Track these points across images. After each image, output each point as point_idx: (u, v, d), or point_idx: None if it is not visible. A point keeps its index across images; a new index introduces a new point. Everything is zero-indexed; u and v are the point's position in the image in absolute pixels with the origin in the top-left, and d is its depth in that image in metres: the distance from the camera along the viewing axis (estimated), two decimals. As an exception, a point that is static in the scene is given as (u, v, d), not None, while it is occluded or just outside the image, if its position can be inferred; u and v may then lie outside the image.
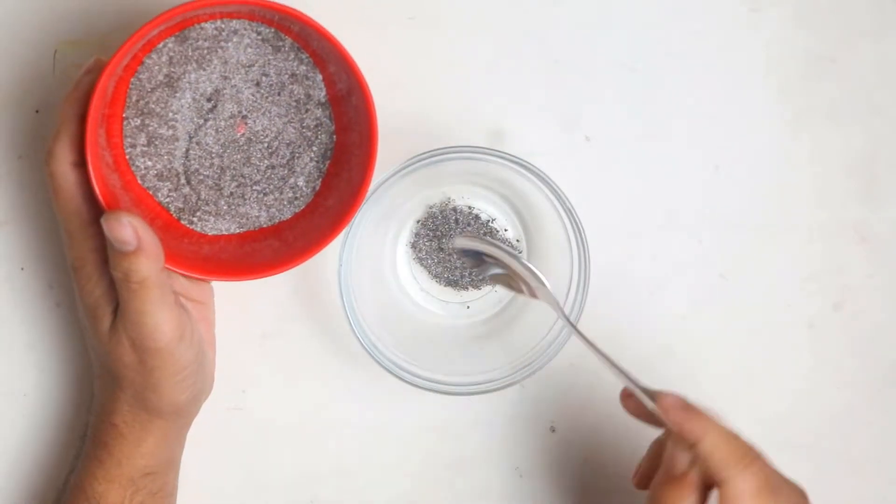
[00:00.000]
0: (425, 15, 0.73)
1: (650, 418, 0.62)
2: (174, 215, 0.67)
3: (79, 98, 0.62)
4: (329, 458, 0.73)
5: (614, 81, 0.73)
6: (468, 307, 0.73)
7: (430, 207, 0.72)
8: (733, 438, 0.59)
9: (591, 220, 0.68)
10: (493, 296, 0.73)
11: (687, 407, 0.60)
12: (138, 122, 0.66)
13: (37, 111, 0.71)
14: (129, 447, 0.65)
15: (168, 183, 0.67)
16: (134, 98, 0.66)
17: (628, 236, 0.73)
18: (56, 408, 0.72)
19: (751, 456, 0.59)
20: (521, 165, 0.67)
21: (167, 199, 0.67)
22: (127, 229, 0.59)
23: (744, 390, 0.74)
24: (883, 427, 0.74)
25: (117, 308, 0.62)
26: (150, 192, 0.67)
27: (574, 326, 0.65)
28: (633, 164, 0.73)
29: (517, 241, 0.72)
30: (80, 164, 0.62)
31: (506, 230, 0.72)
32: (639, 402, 0.62)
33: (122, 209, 0.61)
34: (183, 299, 0.66)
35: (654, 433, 0.64)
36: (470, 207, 0.72)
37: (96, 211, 0.62)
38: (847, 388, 0.74)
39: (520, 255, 0.69)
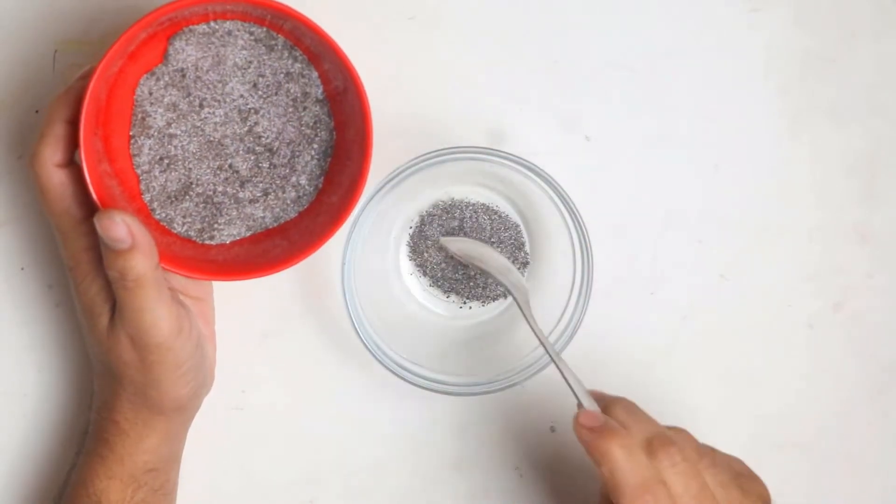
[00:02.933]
0: (425, 15, 0.73)
1: None
2: (196, 239, 0.67)
3: (67, 102, 0.62)
4: (329, 458, 0.73)
5: (614, 81, 0.73)
6: (470, 307, 0.73)
7: (434, 207, 0.72)
8: (635, 464, 0.59)
9: (590, 220, 0.68)
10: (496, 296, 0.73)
11: (594, 427, 0.60)
12: (142, 140, 0.66)
13: (37, 111, 0.71)
14: (131, 444, 0.65)
15: (183, 204, 0.67)
16: (139, 116, 0.66)
17: (628, 236, 0.73)
18: (56, 407, 0.72)
19: (649, 484, 0.58)
20: (526, 166, 0.67)
21: (185, 228, 0.67)
22: (121, 227, 0.58)
23: (744, 390, 0.74)
24: (883, 427, 0.74)
25: (114, 306, 0.62)
26: (166, 225, 0.67)
27: (531, 323, 0.66)
28: (633, 163, 0.73)
29: (522, 244, 0.72)
30: (66, 164, 0.62)
31: (517, 226, 0.72)
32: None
33: (116, 208, 0.61)
34: (181, 296, 0.66)
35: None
36: (475, 203, 0.72)
37: (87, 210, 0.62)
38: (847, 388, 0.74)
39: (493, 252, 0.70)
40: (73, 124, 0.61)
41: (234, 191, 0.68)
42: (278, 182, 0.68)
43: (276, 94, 0.67)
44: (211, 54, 0.67)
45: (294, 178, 0.68)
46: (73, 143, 0.61)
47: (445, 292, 0.73)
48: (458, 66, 0.73)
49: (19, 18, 0.71)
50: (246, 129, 0.67)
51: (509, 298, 0.72)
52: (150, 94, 0.66)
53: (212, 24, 0.66)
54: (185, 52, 0.66)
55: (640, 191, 0.73)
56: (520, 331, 0.71)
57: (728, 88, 0.74)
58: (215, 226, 0.67)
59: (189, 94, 0.66)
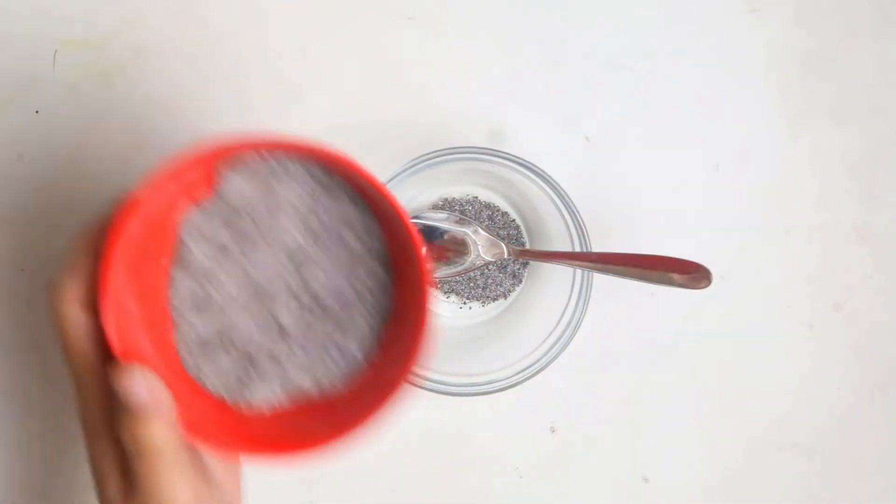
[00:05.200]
0: (425, 15, 0.73)
1: None
2: (226, 397, 0.59)
3: (96, 233, 0.54)
4: (330, 459, 0.73)
5: (614, 81, 0.73)
6: (470, 307, 0.73)
7: (434, 207, 0.72)
8: None
9: (590, 220, 0.68)
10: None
11: None
12: (180, 278, 0.59)
13: (37, 111, 0.71)
14: None
15: (216, 355, 0.59)
16: (180, 252, 0.58)
17: (628, 237, 0.73)
18: (56, 407, 0.72)
19: None
20: (526, 166, 0.67)
21: (216, 382, 0.59)
22: (140, 388, 0.52)
23: (744, 391, 0.74)
24: (883, 427, 0.74)
25: (125, 472, 0.54)
26: (194, 376, 0.59)
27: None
28: (633, 164, 0.73)
29: (522, 244, 0.72)
30: (88, 301, 0.54)
31: (517, 226, 0.72)
32: None
33: (138, 362, 0.54)
34: (205, 457, 0.58)
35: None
36: (474, 197, 0.72)
37: (107, 355, 0.54)
38: (847, 389, 0.74)
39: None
40: (101, 258, 0.53)
41: (274, 345, 0.59)
42: (324, 341, 0.60)
43: (332, 240, 0.59)
44: (265, 190, 0.58)
45: (342, 340, 0.60)
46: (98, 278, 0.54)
47: (445, 292, 0.73)
48: (458, 66, 0.73)
49: (19, 18, 0.71)
50: (296, 277, 0.59)
51: (509, 298, 0.72)
52: (196, 228, 0.58)
53: (266, 157, 0.58)
54: (237, 185, 0.58)
55: (640, 191, 0.73)
56: (520, 331, 0.71)
57: (728, 88, 0.74)
58: (249, 382, 0.59)
59: (237, 234, 0.58)
